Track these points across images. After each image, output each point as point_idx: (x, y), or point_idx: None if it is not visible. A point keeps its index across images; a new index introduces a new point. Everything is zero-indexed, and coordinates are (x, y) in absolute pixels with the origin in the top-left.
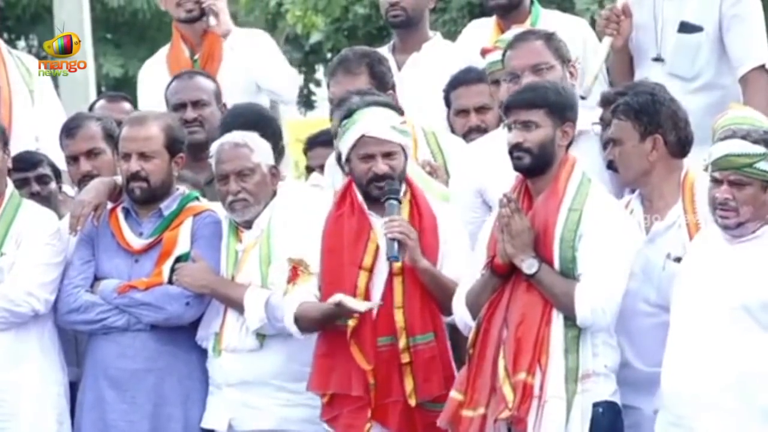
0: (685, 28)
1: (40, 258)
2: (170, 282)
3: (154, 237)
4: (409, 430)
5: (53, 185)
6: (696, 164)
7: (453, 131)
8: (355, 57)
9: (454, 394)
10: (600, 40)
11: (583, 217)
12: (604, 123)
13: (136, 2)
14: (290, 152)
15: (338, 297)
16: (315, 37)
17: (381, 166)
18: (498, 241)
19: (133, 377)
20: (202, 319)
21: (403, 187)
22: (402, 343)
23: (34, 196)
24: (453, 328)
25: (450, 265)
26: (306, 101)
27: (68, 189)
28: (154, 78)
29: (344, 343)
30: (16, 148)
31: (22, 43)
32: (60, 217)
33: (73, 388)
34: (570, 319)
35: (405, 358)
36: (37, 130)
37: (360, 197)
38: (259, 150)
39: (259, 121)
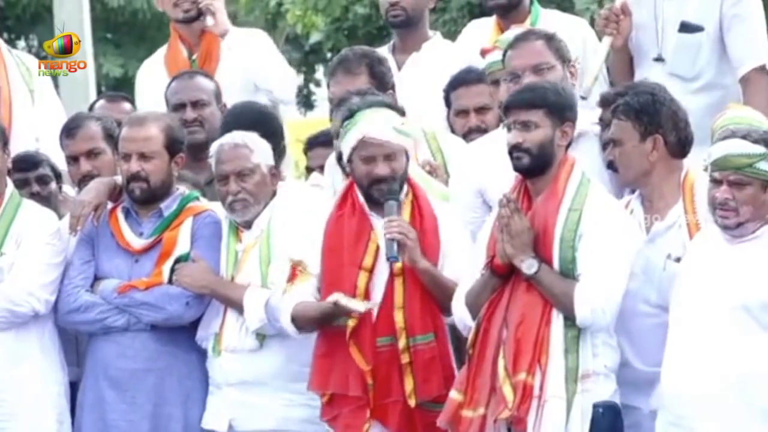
0: (686, 27)
1: (40, 258)
2: (170, 282)
3: (154, 237)
4: (409, 430)
5: (53, 185)
6: (696, 164)
7: (453, 131)
8: (354, 57)
9: (454, 394)
10: (600, 39)
11: (583, 218)
12: (604, 123)
13: (136, 2)
14: (290, 152)
15: (336, 296)
16: (315, 37)
17: (382, 169)
18: (498, 242)
19: (133, 377)
20: (202, 320)
21: (405, 188)
22: (402, 343)
23: (34, 196)
24: (456, 329)
25: (451, 265)
26: (306, 101)
27: (68, 189)
28: (152, 78)
29: (344, 343)
30: (16, 147)
31: (22, 43)
32: (60, 217)
33: (74, 387)
34: (570, 319)
35: (405, 358)
36: (38, 130)
37: (361, 198)
38: (259, 150)
39: (261, 120)
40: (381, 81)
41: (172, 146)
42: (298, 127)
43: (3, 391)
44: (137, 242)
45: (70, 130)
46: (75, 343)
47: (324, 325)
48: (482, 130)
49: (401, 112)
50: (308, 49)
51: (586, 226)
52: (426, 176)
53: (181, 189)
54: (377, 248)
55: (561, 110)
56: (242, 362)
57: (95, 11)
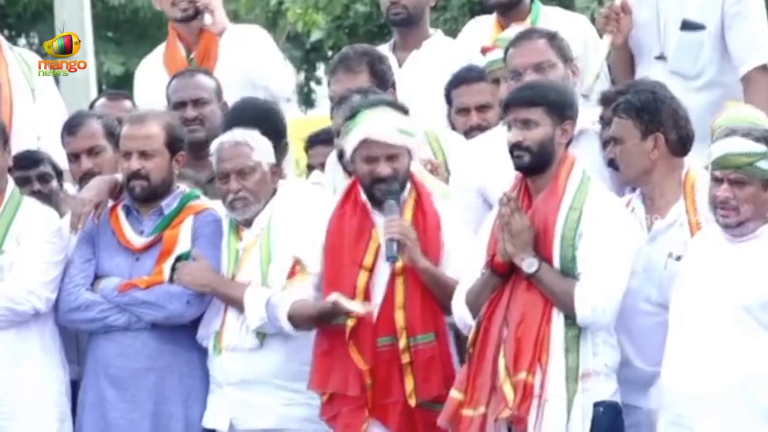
0: (688, 26)
1: (41, 256)
2: (171, 280)
3: (155, 235)
4: (410, 429)
5: (54, 184)
6: (697, 162)
7: (454, 129)
8: (355, 55)
9: (455, 394)
10: (600, 37)
11: (583, 216)
12: (605, 121)
13: (136, 0)
14: (291, 150)
15: (334, 296)
16: (316, 35)
17: (384, 169)
18: (498, 240)
19: (134, 376)
20: (203, 318)
21: (408, 186)
22: (402, 343)
23: (35, 194)
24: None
25: (453, 263)
26: (306, 99)
27: (69, 187)
28: (151, 76)
29: (343, 342)
30: (16, 145)
31: (22, 41)
32: (61, 215)
33: (75, 386)
34: (570, 318)
35: (405, 358)
36: (39, 128)
37: (364, 196)
38: (260, 148)
39: (264, 116)
40: (381, 79)
41: (173, 144)
42: (298, 124)
43: (4, 389)
44: (138, 240)
45: (71, 128)
46: (75, 342)
47: (321, 324)
48: (483, 129)
49: (404, 111)
50: (309, 47)
51: (587, 225)
52: (427, 174)
53: (182, 187)
54: (378, 247)
55: (561, 108)
56: (243, 361)
57: (96, 9)
